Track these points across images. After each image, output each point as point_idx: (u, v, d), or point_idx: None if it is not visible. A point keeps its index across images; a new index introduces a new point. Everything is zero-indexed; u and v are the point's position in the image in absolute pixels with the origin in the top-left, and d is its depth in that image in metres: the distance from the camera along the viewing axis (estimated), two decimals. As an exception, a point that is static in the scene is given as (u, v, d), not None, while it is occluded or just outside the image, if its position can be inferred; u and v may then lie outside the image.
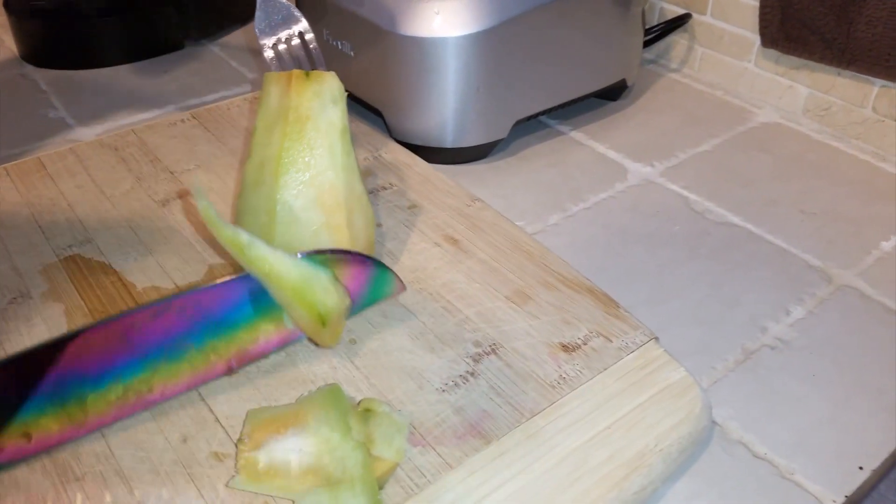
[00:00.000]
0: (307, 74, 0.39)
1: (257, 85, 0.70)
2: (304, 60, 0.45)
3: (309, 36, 0.44)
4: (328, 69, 0.62)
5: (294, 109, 0.39)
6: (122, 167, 0.52)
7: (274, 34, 0.44)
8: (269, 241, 0.39)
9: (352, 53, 0.58)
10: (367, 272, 0.38)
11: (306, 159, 0.38)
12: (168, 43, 0.75)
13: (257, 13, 0.43)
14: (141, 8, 0.73)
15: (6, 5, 0.74)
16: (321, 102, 0.39)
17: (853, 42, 0.59)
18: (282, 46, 0.45)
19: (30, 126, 0.64)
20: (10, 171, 0.52)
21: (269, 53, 0.44)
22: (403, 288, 0.41)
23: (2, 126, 0.63)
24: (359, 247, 0.41)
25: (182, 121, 0.58)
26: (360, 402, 0.34)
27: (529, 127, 0.63)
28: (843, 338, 0.45)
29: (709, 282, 0.48)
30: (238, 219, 0.41)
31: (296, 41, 0.45)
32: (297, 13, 0.44)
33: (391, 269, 0.39)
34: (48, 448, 0.33)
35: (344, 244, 0.40)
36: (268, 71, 0.41)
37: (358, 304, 0.39)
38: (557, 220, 0.53)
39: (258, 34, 0.44)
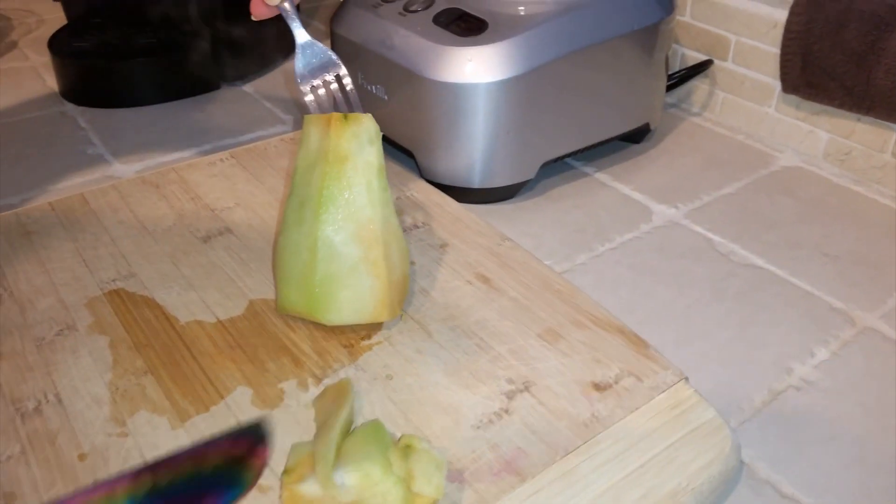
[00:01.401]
0: (345, 117, 0.41)
1: (291, 125, 0.73)
2: (341, 103, 0.47)
3: (347, 80, 0.46)
4: (364, 111, 0.65)
5: (333, 150, 0.40)
6: (163, 204, 0.54)
7: (313, 78, 0.46)
8: (311, 276, 0.41)
9: (385, 97, 0.60)
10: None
11: (346, 196, 0.40)
12: (204, 83, 0.78)
13: (297, 58, 0.45)
14: (178, 49, 0.76)
15: (50, 45, 0.77)
16: (359, 143, 0.41)
17: (873, 89, 0.60)
18: (321, 90, 0.46)
19: (69, 162, 0.66)
20: (55, 207, 0.54)
21: (308, 97, 0.46)
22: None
23: (43, 162, 0.66)
24: (395, 279, 0.42)
25: (221, 160, 0.60)
26: (400, 438, 0.35)
27: (556, 168, 0.65)
28: (866, 379, 0.45)
29: (735, 323, 0.49)
30: (279, 256, 0.43)
31: (334, 85, 0.47)
32: (335, 58, 0.46)
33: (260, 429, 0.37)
34: None
35: (381, 277, 0.41)
36: (307, 114, 0.43)
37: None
38: (585, 259, 0.55)
39: (298, 78, 0.46)
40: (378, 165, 0.41)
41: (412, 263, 0.49)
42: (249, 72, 0.82)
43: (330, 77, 0.46)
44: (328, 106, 0.47)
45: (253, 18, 0.44)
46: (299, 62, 0.46)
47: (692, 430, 0.38)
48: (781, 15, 0.65)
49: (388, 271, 0.41)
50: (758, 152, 0.69)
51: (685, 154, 0.68)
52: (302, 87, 0.46)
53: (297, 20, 0.44)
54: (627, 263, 0.54)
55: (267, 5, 0.44)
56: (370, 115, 0.41)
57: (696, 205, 0.61)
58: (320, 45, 0.46)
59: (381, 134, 0.42)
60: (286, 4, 0.44)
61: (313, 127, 0.42)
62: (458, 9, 0.57)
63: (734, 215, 0.60)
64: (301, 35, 0.45)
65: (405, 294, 0.44)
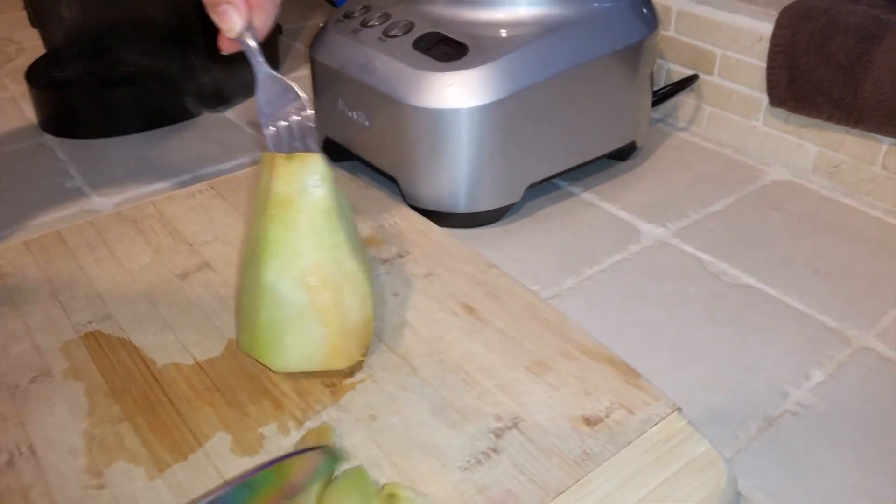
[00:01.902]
0: (291, 157, 0.39)
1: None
2: (299, 138, 0.45)
3: (306, 114, 0.44)
4: (346, 138, 0.63)
5: (276, 192, 0.39)
6: (140, 240, 0.53)
7: (274, 114, 0.44)
8: (257, 321, 0.40)
9: (367, 123, 0.59)
10: (317, 465, 0.35)
11: (290, 240, 0.38)
12: (185, 111, 0.77)
13: (258, 93, 0.43)
14: (158, 77, 0.75)
15: (27, 76, 0.76)
16: (303, 185, 0.38)
17: (861, 102, 0.60)
18: (281, 123, 0.44)
19: (48, 196, 0.65)
20: (30, 246, 0.53)
21: (268, 130, 0.44)
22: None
23: (21, 196, 0.64)
24: (349, 326, 0.40)
25: (200, 192, 0.59)
26: (383, 486, 0.34)
27: (542, 189, 0.64)
28: (863, 402, 0.44)
29: (727, 346, 0.48)
30: (239, 298, 0.41)
31: (294, 118, 0.45)
32: (298, 90, 0.44)
33: (335, 452, 0.36)
34: None
35: (331, 324, 0.39)
36: (266, 149, 0.42)
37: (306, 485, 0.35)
38: (573, 283, 0.54)
39: (258, 111, 0.44)
40: (325, 208, 0.39)
41: (395, 295, 0.48)
42: (231, 97, 0.81)
43: (290, 109, 0.44)
44: (286, 140, 0.45)
45: (222, 53, 0.43)
46: (261, 97, 0.43)
47: (686, 464, 0.37)
48: (767, 28, 0.65)
49: (340, 318, 0.40)
50: (746, 166, 0.68)
51: (673, 170, 0.67)
52: (263, 123, 0.44)
53: (258, 54, 0.42)
54: (616, 286, 0.53)
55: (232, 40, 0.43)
56: (319, 154, 0.39)
57: (685, 223, 0.60)
58: (283, 79, 0.44)
59: (332, 173, 0.39)
60: (248, 39, 0.42)
61: (265, 165, 0.40)
62: (439, 33, 0.57)
63: (723, 233, 0.59)
64: (262, 69, 0.42)
65: (367, 339, 0.42)
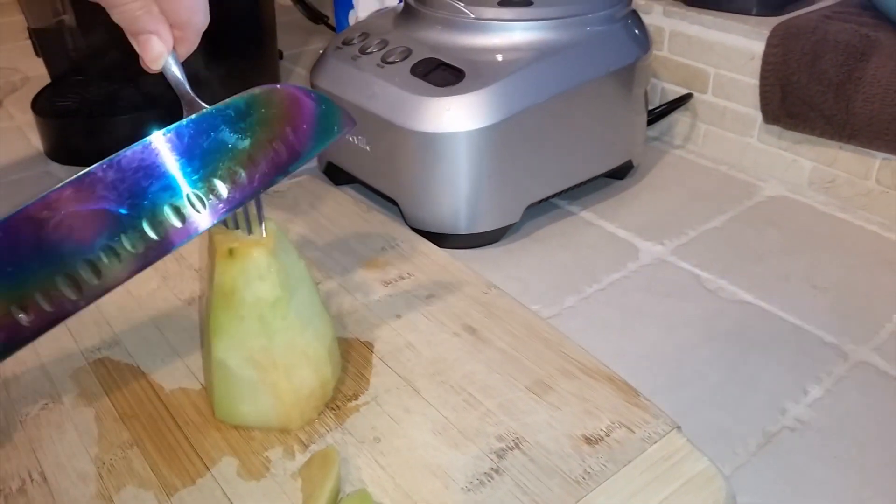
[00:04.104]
0: (231, 253, 0.37)
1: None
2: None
3: None
4: (347, 162, 0.64)
5: (219, 284, 0.38)
6: (147, 266, 0.54)
7: None
8: (212, 388, 0.40)
9: (367, 147, 0.60)
10: (311, 106, 0.37)
11: (235, 326, 0.38)
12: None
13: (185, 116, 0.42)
14: (161, 106, 0.76)
15: (33, 105, 0.78)
16: (246, 279, 0.38)
17: (853, 118, 0.60)
18: None
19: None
20: (38, 274, 0.54)
21: None
22: (354, 122, 0.39)
23: (28, 224, 0.65)
24: (303, 394, 0.40)
25: (204, 218, 0.60)
26: (388, 506, 0.34)
27: (540, 209, 0.64)
28: (862, 417, 0.45)
29: (726, 363, 0.49)
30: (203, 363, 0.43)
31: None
32: None
33: (336, 105, 0.38)
34: (47, 325, 0.33)
35: (283, 397, 0.39)
36: None
37: (309, 146, 0.37)
38: (573, 302, 0.54)
39: None
40: (272, 300, 0.38)
41: (398, 317, 0.49)
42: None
43: None
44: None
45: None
46: None
47: (686, 482, 0.37)
48: (758, 47, 0.66)
49: (292, 391, 0.40)
50: (742, 183, 0.69)
51: (669, 188, 0.68)
52: None
53: (185, 83, 0.40)
54: (616, 304, 0.54)
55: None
56: (264, 244, 0.38)
57: (683, 240, 0.61)
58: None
59: (275, 267, 0.38)
60: (172, 68, 0.39)
61: (210, 245, 0.39)
62: (436, 59, 0.58)
63: (721, 249, 0.60)
64: (188, 98, 0.39)
65: (323, 399, 0.42)
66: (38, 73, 0.96)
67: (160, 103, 0.76)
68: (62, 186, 0.34)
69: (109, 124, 0.76)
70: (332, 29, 1.01)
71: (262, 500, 0.37)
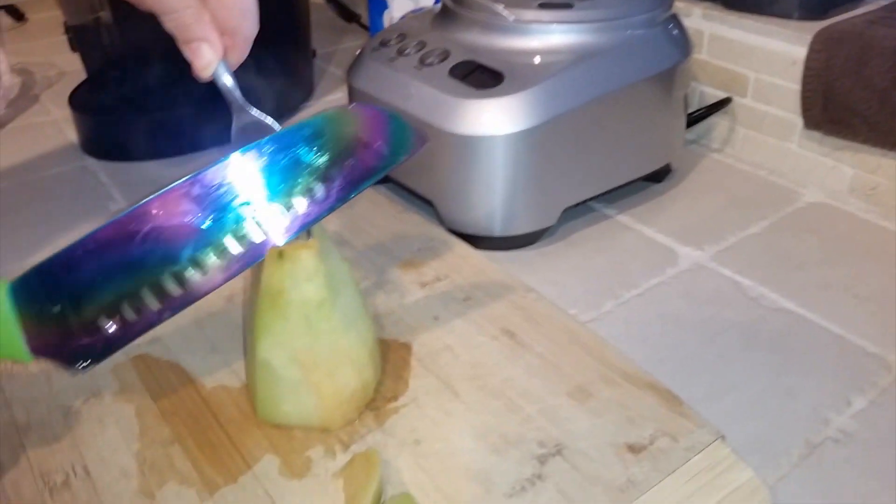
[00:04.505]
0: (280, 255, 0.37)
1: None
2: None
3: None
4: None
5: (266, 285, 0.38)
6: (186, 263, 0.54)
7: None
8: (255, 387, 0.40)
9: (404, 147, 0.60)
10: (384, 124, 0.38)
11: (280, 326, 0.38)
12: (223, 135, 0.78)
13: (233, 127, 0.41)
14: (197, 102, 0.76)
15: (70, 100, 0.78)
16: (294, 280, 0.37)
17: (898, 125, 0.59)
18: None
19: (92, 218, 0.66)
20: (79, 268, 0.54)
21: None
22: (426, 140, 0.40)
23: (65, 218, 0.66)
24: (346, 395, 0.40)
25: (242, 216, 0.60)
26: (432, 511, 0.34)
27: (576, 212, 0.64)
28: (908, 430, 0.44)
29: (767, 372, 0.48)
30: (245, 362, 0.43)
31: None
32: (277, 128, 0.41)
33: (408, 123, 0.39)
34: (132, 334, 0.35)
35: (326, 396, 0.39)
36: None
37: (382, 163, 0.38)
38: (611, 307, 0.54)
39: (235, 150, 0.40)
40: (317, 301, 0.38)
41: (436, 318, 0.49)
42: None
43: None
44: None
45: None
46: (237, 136, 0.41)
47: (730, 493, 0.37)
48: (801, 52, 0.65)
49: (335, 392, 0.40)
50: (781, 189, 0.68)
51: (708, 192, 0.68)
52: None
53: (236, 90, 0.41)
54: (655, 311, 0.53)
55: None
56: (311, 245, 0.38)
57: (722, 246, 0.60)
58: (263, 116, 0.41)
59: (322, 269, 0.38)
60: (223, 76, 0.40)
61: None
62: (474, 61, 0.58)
63: (761, 256, 0.59)
64: (240, 106, 0.40)
65: (364, 400, 0.42)
66: (73, 69, 0.97)
67: (196, 100, 0.77)
68: (149, 201, 0.35)
69: (146, 120, 0.76)
70: (365, 28, 1.01)
71: (304, 499, 0.37)
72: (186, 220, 0.36)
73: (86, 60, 0.87)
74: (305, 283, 0.37)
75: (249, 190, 0.37)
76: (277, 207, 0.37)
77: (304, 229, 0.37)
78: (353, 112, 0.39)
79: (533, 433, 0.40)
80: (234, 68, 0.41)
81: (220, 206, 0.36)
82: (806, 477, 0.41)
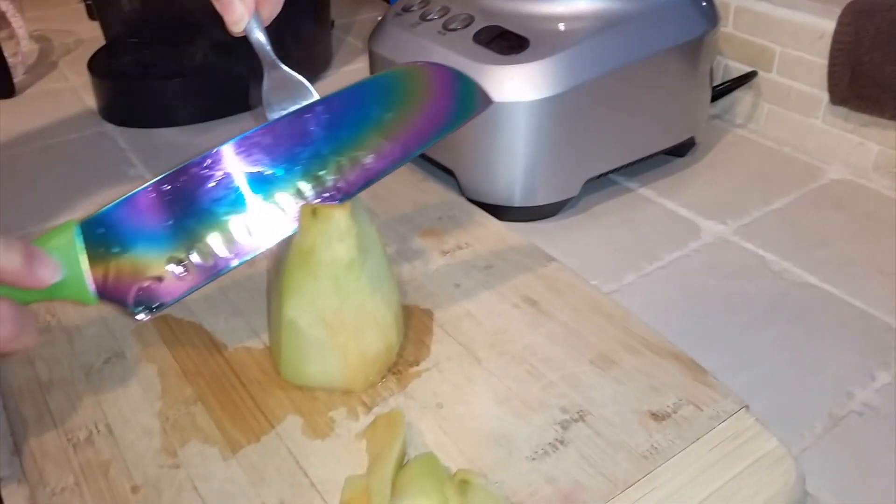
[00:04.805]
0: (314, 212, 0.37)
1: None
2: None
3: None
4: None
5: (297, 243, 0.38)
6: (207, 227, 0.54)
7: (283, 109, 0.40)
8: (278, 348, 0.40)
9: (426, 115, 0.60)
10: (452, 83, 0.39)
11: (310, 286, 0.38)
12: (242, 103, 0.78)
13: (265, 82, 0.41)
14: (216, 69, 0.76)
15: (89, 66, 0.78)
16: (326, 239, 0.37)
17: (928, 100, 0.58)
18: None
19: (111, 184, 0.66)
20: (99, 231, 0.54)
21: None
22: (490, 101, 0.40)
23: (85, 183, 0.66)
24: (370, 357, 0.40)
25: (262, 181, 0.60)
26: (455, 472, 0.34)
27: (599, 184, 0.63)
28: (933, 405, 0.44)
29: (791, 345, 0.48)
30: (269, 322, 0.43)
31: None
32: (307, 84, 0.40)
33: (476, 83, 0.40)
34: (201, 280, 0.36)
35: (350, 358, 0.39)
36: None
37: (448, 122, 0.39)
38: (632, 279, 0.54)
39: (265, 104, 0.40)
40: (347, 261, 0.38)
41: (457, 286, 0.49)
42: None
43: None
44: None
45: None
46: (268, 90, 0.40)
47: (755, 461, 0.37)
48: (829, 25, 0.64)
49: (359, 353, 0.40)
50: (805, 165, 0.67)
51: (731, 167, 0.67)
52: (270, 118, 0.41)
53: (266, 45, 0.40)
54: (677, 283, 0.53)
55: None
56: (345, 206, 0.38)
57: (745, 221, 0.60)
58: (293, 74, 0.40)
59: (354, 229, 0.38)
60: (255, 31, 0.40)
61: None
62: (499, 26, 0.57)
63: (785, 231, 0.58)
64: (271, 61, 0.40)
65: (387, 363, 0.42)
66: (91, 36, 0.96)
67: (215, 67, 0.76)
68: (222, 147, 0.36)
69: (164, 87, 0.76)
70: (386, 0, 1.00)
71: (327, 459, 0.37)
72: (258, 167, 0.36)
73: (105, 26, 0.86)
74: (338, 242, 0.37)
75: (319, 143, 0.37)
76: (345, 159, 0.37)
77: (369, 185, 0.38)
78: (422, 70, 0.39)
79: (555, 399, 0.40)
80: (267, 23, 0.41)
81: (290, 157, 0.37)
82: (829, 449, 0.41)
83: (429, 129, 0.38)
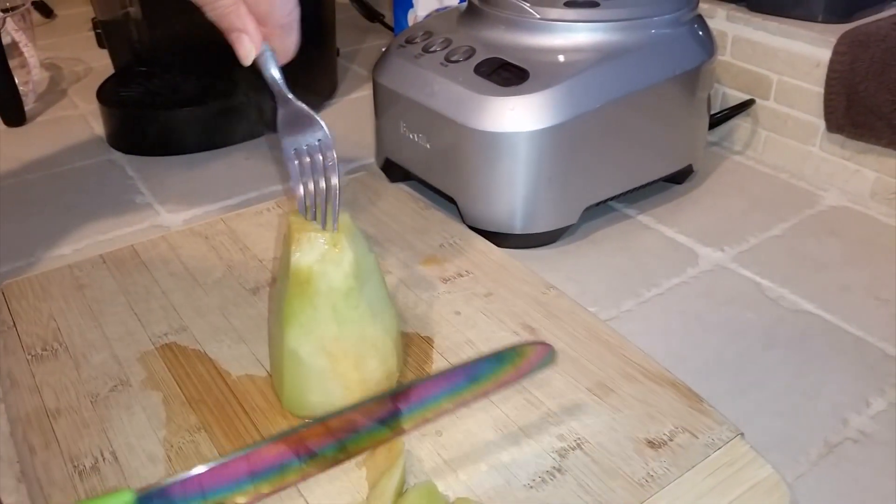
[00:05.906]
0: (310, 241, 0.38)
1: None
2: (320, 170, 0.42)
3: (326, 142, 0.42)
4: (406, 159, 0.64)
5: (296, 271, 0.39)
6: (213, 255, 0.55)
7: (294, 140, 0.41)
8: (282, 377, 0.41)
9: (427, 145, 0.61)
10: (542, 356, 0.39)
11: (308, 314, 0.39)
12: (250, 130, 0.79)
13: (278, 118, 0.41)
14: (223, 97, 0.77)
15: (98, 94, 0.80)
16: (323, 268, 0.38)
17: (922, 128, 0.59)
18: (305, 159, 0.42)
19: (118, 211, 0.67)
20: (106, 260, 0.55)
21: (298, 189, 0.42)
22: (555, 355, 0.41)
23: (92, 211, 0.67)
24: (371, 384, 0.41)
25: (268, 209, 0.61)
26: (454, 501, 0.35)
27: (598, 211, 0.64)
28: (928, 432, 0.44)
29: (787, 372, 0.48)
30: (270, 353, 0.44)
31: (323, 184, 0.42)
32: (318, 119, 0.41)
33: (554, 349, 0.40)
34: None
35: (352, 386, 0.40)
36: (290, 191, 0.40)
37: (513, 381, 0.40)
38: (631, 306, 0.54)
39: (280, 139, 0.42)
40: (345, 289, 0.39)
41: (457, 314, 0.49)
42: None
43: (312, 140, 0.42)
44: (313, 204, 0.42)
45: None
46: (281, 125, 0.42)
47: (750, 489, 0.37)
48: (824, 55, 0.65)
49: (361, 381, 0.40)
50: (803, 192, 0.68)
51: (729, 194, 0.68)
52: (285, 152, 0.42)
53: (279, 81, 0.41)
54: (675, 310, 0.54)
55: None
56: (340, 234, 0.39)
57: (743, 247, 0.60)
58: (304, 107, 0.41)
59: (349, 257, 0.39)
60: (267, 65, 0.41)
61: (289, 234, 0.40)
62: (499, 58, 0.58)
63: (782, 258, 0.59)
64: (282, 95, 0.41)
65: (390, 386, 0.42)
66: (100, 64, 0.98)
67: (221, 96, 0.78)
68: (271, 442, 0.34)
69: (171, 115, 0.77)
70: (389, 28, 1.02)
71: (327, 487, 0.37)
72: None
73: (114, 55, 0.88)
74: (334, 268, 0.38)
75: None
76: None
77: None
78: (530, 348, 0.39)
79: (553, 427, 0.41)
80: (285, 60, 0.42)
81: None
82: (824, 476, 0.42)
83: (496, 390, 0.39)
